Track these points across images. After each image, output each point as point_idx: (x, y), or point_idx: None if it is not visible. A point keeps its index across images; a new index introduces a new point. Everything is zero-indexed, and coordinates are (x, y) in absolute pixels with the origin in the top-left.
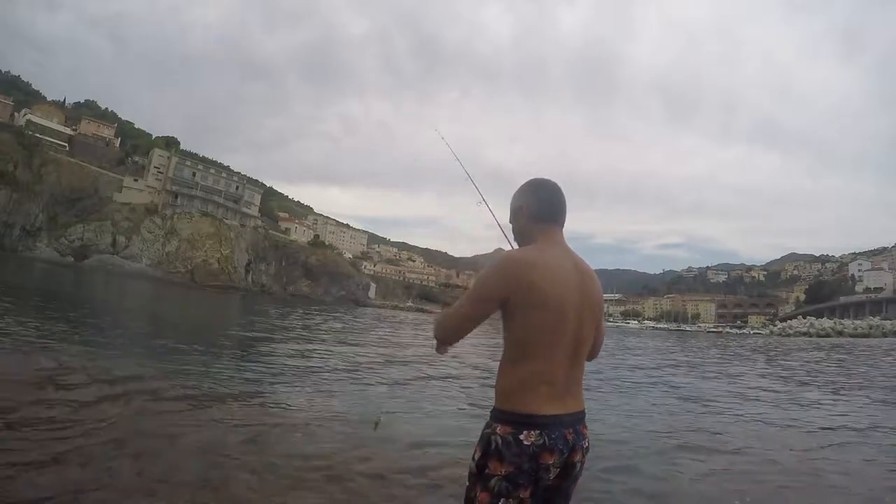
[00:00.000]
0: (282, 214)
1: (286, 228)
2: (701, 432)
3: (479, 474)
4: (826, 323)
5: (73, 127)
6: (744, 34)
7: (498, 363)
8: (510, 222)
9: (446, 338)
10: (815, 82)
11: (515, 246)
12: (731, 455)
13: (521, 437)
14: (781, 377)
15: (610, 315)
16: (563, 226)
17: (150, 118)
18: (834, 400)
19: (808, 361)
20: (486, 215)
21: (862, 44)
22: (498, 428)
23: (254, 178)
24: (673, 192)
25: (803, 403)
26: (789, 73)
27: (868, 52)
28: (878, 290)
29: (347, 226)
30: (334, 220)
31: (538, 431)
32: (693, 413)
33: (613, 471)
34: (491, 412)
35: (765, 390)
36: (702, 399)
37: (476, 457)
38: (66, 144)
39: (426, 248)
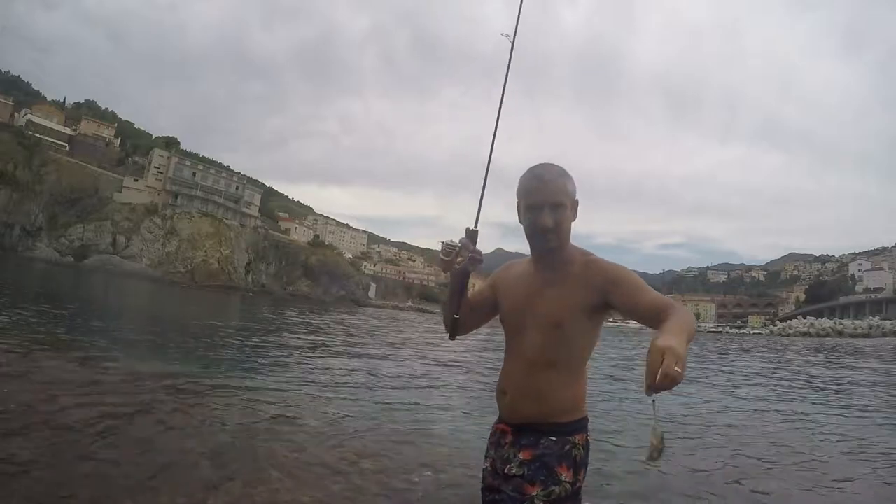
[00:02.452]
0: (282, 214)
1: (286, 228)
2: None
3: (574, 494)
4: (826, 323)
5: (73, 127)
6: (745, 32)
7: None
8: (567, 218)
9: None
10: (817, 81)
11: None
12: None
13: (589, 437)
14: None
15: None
16: None
17: (150, 118)
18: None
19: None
20: (488, 217)
21: (864, 42)
22: (577, 437)
23: (254, 178)
24: (674, 192)
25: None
26: (791, 71)
27: (870, 50)
28: (878, 290)
29: (347, 226)
30: (334, 220)
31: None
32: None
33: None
34: (562, 427)
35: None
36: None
37: (564, 478)
38: (66, 144)
39: (426, 248)
